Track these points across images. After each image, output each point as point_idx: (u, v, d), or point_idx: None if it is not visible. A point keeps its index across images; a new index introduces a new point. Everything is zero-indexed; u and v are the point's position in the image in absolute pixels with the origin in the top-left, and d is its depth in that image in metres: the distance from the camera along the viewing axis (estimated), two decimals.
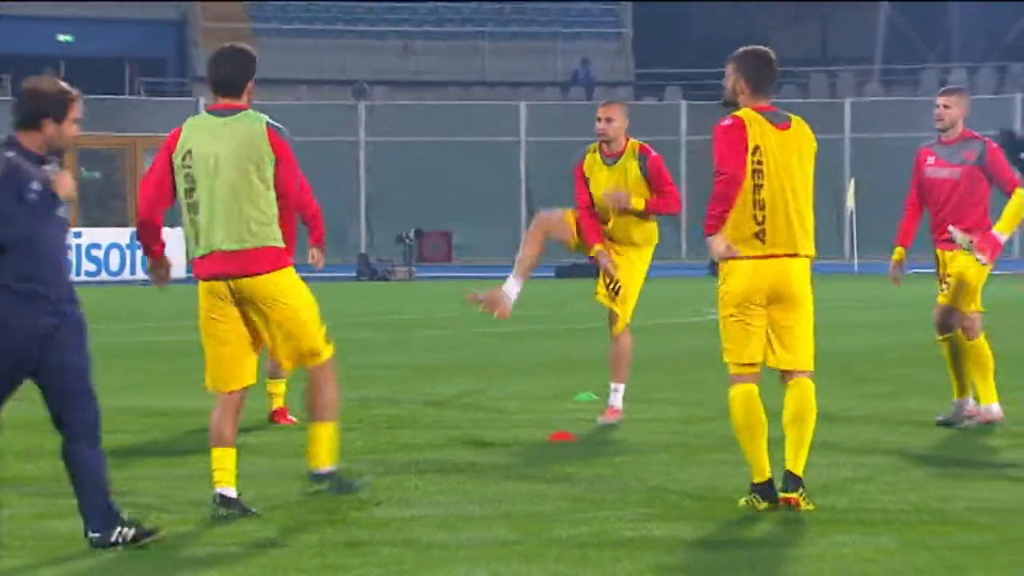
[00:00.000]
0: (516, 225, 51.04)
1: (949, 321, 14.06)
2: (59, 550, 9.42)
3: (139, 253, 43.46)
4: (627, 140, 14.55)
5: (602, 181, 14.44)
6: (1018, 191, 13.77)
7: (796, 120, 10.64)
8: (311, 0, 60.05)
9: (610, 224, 14.46)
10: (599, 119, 14.57)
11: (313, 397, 10.73)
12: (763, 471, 10.33)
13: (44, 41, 57.51)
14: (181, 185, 10.42)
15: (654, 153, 14.52)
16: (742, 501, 10.40)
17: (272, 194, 10.35)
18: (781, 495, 10.31)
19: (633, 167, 14.45)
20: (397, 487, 11.36)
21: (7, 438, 13.69)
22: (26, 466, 12.43)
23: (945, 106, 14.20)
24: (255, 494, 10.62)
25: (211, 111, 10.53)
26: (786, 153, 10.41)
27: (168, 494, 11.17)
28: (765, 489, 10.29)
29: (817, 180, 10.73)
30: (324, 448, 10.69)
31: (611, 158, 14.50)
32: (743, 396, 10.39)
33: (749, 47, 10.75)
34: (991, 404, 13.87)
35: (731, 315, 10.44)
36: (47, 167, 9.08)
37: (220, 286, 10.42)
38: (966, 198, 13.99)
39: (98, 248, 43.39)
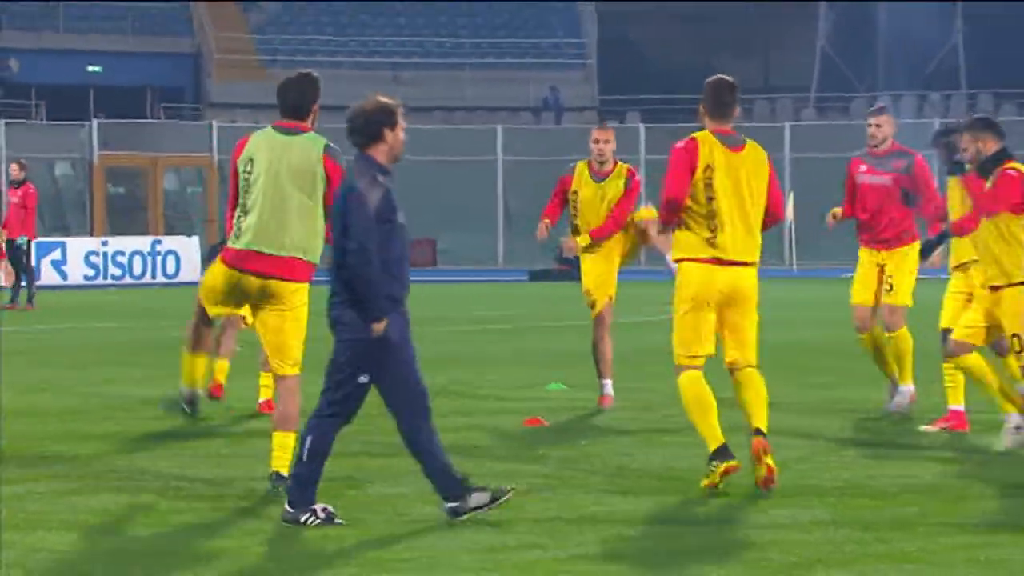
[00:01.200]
0: (494, 233, 51.13)
1: (867, 320, 14.10)
2: (88, 523, 9.41)
3: (159, 259, 43.61)
4: (615, 162, 14.60)
5: (589, 196, 14.50)
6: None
7: (751, 144, 10.67)
8: (312, 36, 60.00)
9: (581, 238, 14.55)
10: (596, 140, 14.56)
11: (281, 406, 10.48)
12: (717, 438, 10.27)
13: (76, 72, 57.35)
14: (240, 188, 10.34)
15: (639, 177, 14.67)
16: (704, 482, 10.29)
17: (320, 210, 10.23)
18: (753, 439, 10.18)
19: (619, 185, 14.53)
20: (388, 467, 11.35)
21: (41, 424, 13.71)
22: (55, 448, 12.40)
23: (877, 125, 14.26)
24: (261, 473, 10.61)
25: (276, 127, 10.40)
26: (737, 172, 10.43)
27: (183, 472, 11.17)
28: (721, 451, 10.23)
29: None
30: (287, 454, 10.26)
31: (600, 176, 14.53)
32: (691, 379, 10.41)
33: (713, 77, 10.76)
34: (908, 385, 13.90)
35: (685, 312, 10.48)
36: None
37: (252, 280, 10.28)
38: (895, 203, 14.02)
39: (122, 255, 43.26)
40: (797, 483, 10.53)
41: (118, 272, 42.88)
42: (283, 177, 10.20)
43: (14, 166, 31.47)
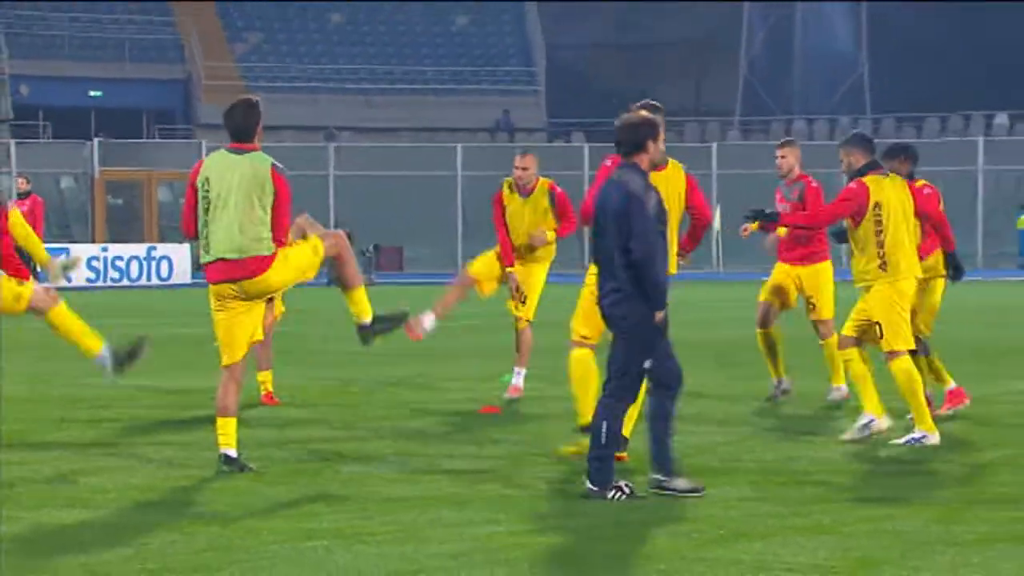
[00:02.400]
0: (454, 242, 51.04)
1: (768, 318, 14.19)
2: (91, 500, 9.36)
3: (154, 264, 43.50)
4: (538, 180, 14.62)
5: (516, 209, 14.56)
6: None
7: (672, 164, 10.70)
8: (291, 64, 59.88)
9: (521, 244, 14.53)
10: (516, 167, 14.58)
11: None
12: (587, 416, 10.30)
13: (79, 96, 57.14)
14: (201, 205, 10.32)
15: (559, 189, 14.65)
16: (568, 449, 10.61)
17: (268, 219, 10.23)
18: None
19: (544, 201, 14.56)
20: (361, 449, 11.34)
21: (45, 411, 13.63)
22: (58, 434, 12.33)
23: (782, 156, 14.37)
24: (247, 456, 10.58)
25: (229, 149, 10.41)
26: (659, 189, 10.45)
27: (179, 456, 11.12)
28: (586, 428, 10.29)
29: None
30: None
31: (525, 193, 14.59)
32: (579, 357, 10.69)
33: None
34: (843, 385, 13.92)
35: (588, 300, 10.53)
36: None
37: (225, 288, 10.30)
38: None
39: (121, 260, 43.16)
40: (724, 464, 10.55)
41: (117, 275, 42.77)
42: (238, 192, 10.21)
43: (20, 180, 31.57)
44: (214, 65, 59.15)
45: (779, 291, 14.31)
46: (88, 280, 41.40)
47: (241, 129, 10.39)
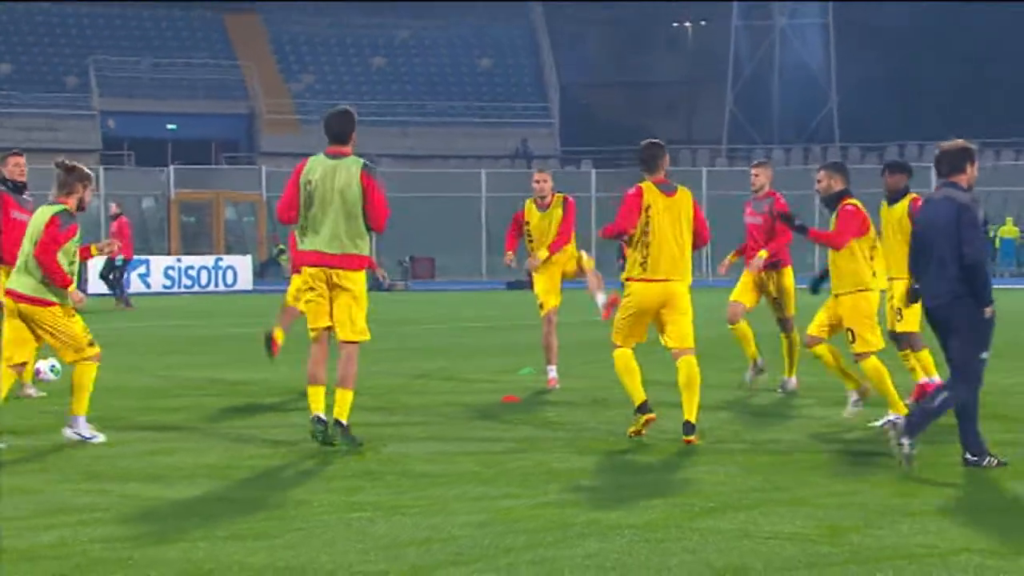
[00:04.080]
0: (479, 252, 51.17)
1: (736, 315, 14.17)
2: (168, 476, 9.38)
3: (221, 273, 43.62)
4: (554, 195, 14.63)
5: (537, 223, 14.58)
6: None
7: (681, 190, 10.77)
8: (339, 100, 59.94)
9: (540, 253, 14.55)
10: (536, 181, 14.64)
11: (344, 367, 10.46)
12: (640, 396, 10.62)
13: (157, 129, 57.30)
14: (303, 202, 10.34)
15: (572, 200, 14.68)
16: (631, 430, 10.62)
17: (361, 214, 10.28)
18: (683, 438, 10.42)
19: (559, 212, 14.57)
20: (398, 433, 11.33)
21: (128, 399, 13.66)
22: (140, 418, 12.36)
23: (755, 175, 14.41)
24: (301, 436, 10.56)
25: (327, 154, 10.42)
26: (671, 212, 10.61)
27: (242, 437, 11.13)
28: (642, 407, 10.62)
29: None
30: (347, 406, 10.47)
31: (543, 207, 14.60)
32: (621, 354, 10.73)
33: (644, 141, 10.88)
34: (792, 377, 13.97)
35: (625, 316, 10.64)
36: None
37: (319, 271, 10.32)
38: (768, 235, 14.11)
39: (192, 269, 43.37)
40: (713, 446, 10.52)
41: (189, 283, 42.91)
42: (335, 192, 10.24)
43: (113, 205, 32.30)
44: (273, 102, 59.24)
45: (747, 292, 14.32)
46: (164, 287, 41.74)
47: (337, 134, 10.40)
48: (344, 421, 10.39)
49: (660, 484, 8.98)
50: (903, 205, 12.17)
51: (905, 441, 9.16)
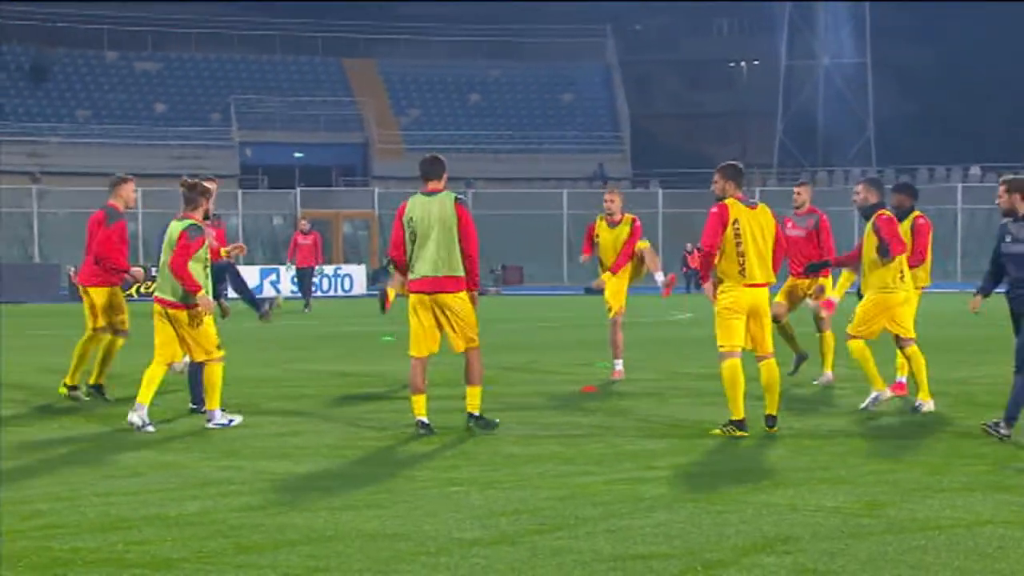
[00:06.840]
0: (561, 263, 51.27)
1: (779, 312, 13.91)
2: (294, 454, 9.42)
3: (339, 280, 43.98)
4: (623, 214, 14.50)
5: (606, 238, 14.49)
6: (845, 273, 13.44)
7: (761, 205, 10.44)
8: (440, 131, 60.16)
9: (610, 263, 14.45)
10: (606, 199, 14.53)
11: (469, 370, 10.52)
12: (740, 411, 10.04)
13: (286, 157, 57.83)
14: (407, 238, 10.36)
15: (639, 222, 14.55)
16: (717, 430, 10.12)
17: (457, 241, 10.28)
18: (767, 428, 10.16)
19: (626, 230, 14.45)
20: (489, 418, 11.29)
21: (258, 388, 13.75)
22: (270, 404, 12.43)
23: (798, 193, 14.25)
24: (407, 421, 10.56)
25: (423, 193, 10.46)
26: (754, 223, 10.20)
27: (358, 421, 11.16)
28: (741, 424, 10.03)
29: None
30: (477, 399, 10.51)
31: (613, 224, 14.48)
32: (731, 365, 10.07)
33: (726, 163, 10.49)
34: (829, 371, 13.78)
35: (728, 319, 10.09)
36: None
37: (425, 298, 10.31)
38: (810, 248, 13.89)
39: (316, 276, 43.82)
40: (764, 432, 10.38)
41: (313, 288, 43.15)
42: (434, 226, 10.26)
43: (303, 222, 32.71)
44: (384, 132, 59.58)
45: (789, 296, 14.11)
46: (292, 292, 42.00)
47: (429, 175, 10.44)
48: (477, 412, 10.44)
49: (718, 465, 8.89)
50: (908, 222, 12.03)
51: (1006, 432, 9.50)
